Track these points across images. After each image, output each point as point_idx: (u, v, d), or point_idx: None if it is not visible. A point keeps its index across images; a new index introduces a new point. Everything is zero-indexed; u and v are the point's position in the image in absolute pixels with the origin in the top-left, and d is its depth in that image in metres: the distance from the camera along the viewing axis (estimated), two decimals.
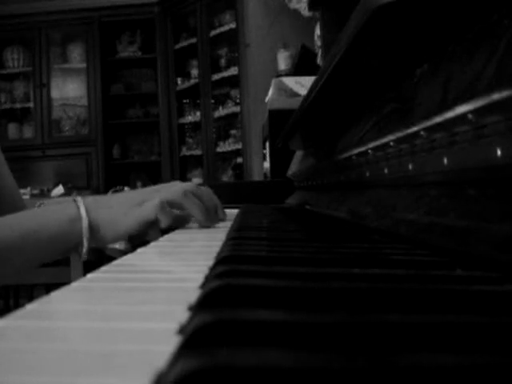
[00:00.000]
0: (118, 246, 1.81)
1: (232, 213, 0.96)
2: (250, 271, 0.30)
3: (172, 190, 0.69)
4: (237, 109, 3.90)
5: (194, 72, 4.22)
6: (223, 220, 0.78)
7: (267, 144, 2.36)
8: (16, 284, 2.56)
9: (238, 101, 3.91)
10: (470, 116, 0.38)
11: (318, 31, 2.39)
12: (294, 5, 3.12)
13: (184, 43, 4.30)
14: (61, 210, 0.64)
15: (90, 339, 0.20)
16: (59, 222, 0.63)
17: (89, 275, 0.34)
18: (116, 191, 1.18)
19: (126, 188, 2.53)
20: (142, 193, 0.69)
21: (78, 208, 0.64)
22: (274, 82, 2.45)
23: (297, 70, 2.65)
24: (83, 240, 0.63)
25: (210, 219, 0.72)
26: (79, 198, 0.65)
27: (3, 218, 0.61)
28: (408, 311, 0.23)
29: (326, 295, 0.24)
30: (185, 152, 4.37)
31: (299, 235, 0.61)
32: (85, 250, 0.64)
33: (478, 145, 0.38)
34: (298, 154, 1.60)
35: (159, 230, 0.66)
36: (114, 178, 4.58)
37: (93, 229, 0.64)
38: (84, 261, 0.65)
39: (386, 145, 0.59)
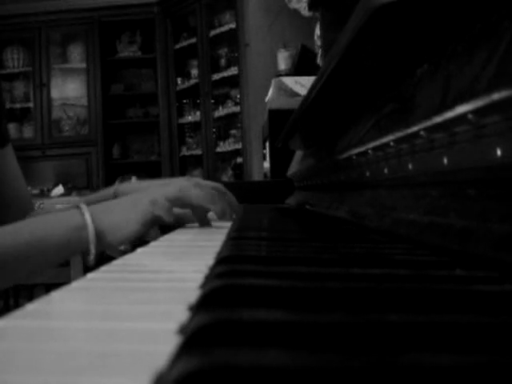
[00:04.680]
0: None
1: None
2: (250, 271, 0.30)
3: (174, 184, 0.71)
4: (237, 109, 3.89)
5: (194, 72, 4.22)
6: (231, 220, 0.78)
7: (267, 144, 2.35)
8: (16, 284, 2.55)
9: (237, 101, 3.90)
10: (469, 116, 0.38)
11: (317, 31, 2.39)
12: (293, 5, 3.12)
13: (184, 43, 4.29)
14: (66, 217, 0.65)
15: (89, 339, 0.20)
16: (65, 231, 0.63)
17: (89, 275, 0.34)
18: (123, 181, 1.18)
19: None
20: (146, 194, 0.69)
21: (83, 215, 0.64)
22: (274, 81, 2.45)
23: (297, 69, 2.64)
24: (90, 247, 0.64)
25: (222, 211, 0.72)
26: (83, 206, 0.65)
27: (10, 226, 0.61)
28: (408, 311, 0.23)
29: (325, 295, 0.24)
30: (185, 152, 4.37)
31: (299, 235, 0.61)
32: (92, 256, 0.65)
33: (478, 145, 0.38)
34: (298, 154, 1.60)
35: (158, 230, 0.67)
36: (114, 178, 4.58)
37: (98, 235, 0.64)
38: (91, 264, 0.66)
39: (386, 145, 0.59)
